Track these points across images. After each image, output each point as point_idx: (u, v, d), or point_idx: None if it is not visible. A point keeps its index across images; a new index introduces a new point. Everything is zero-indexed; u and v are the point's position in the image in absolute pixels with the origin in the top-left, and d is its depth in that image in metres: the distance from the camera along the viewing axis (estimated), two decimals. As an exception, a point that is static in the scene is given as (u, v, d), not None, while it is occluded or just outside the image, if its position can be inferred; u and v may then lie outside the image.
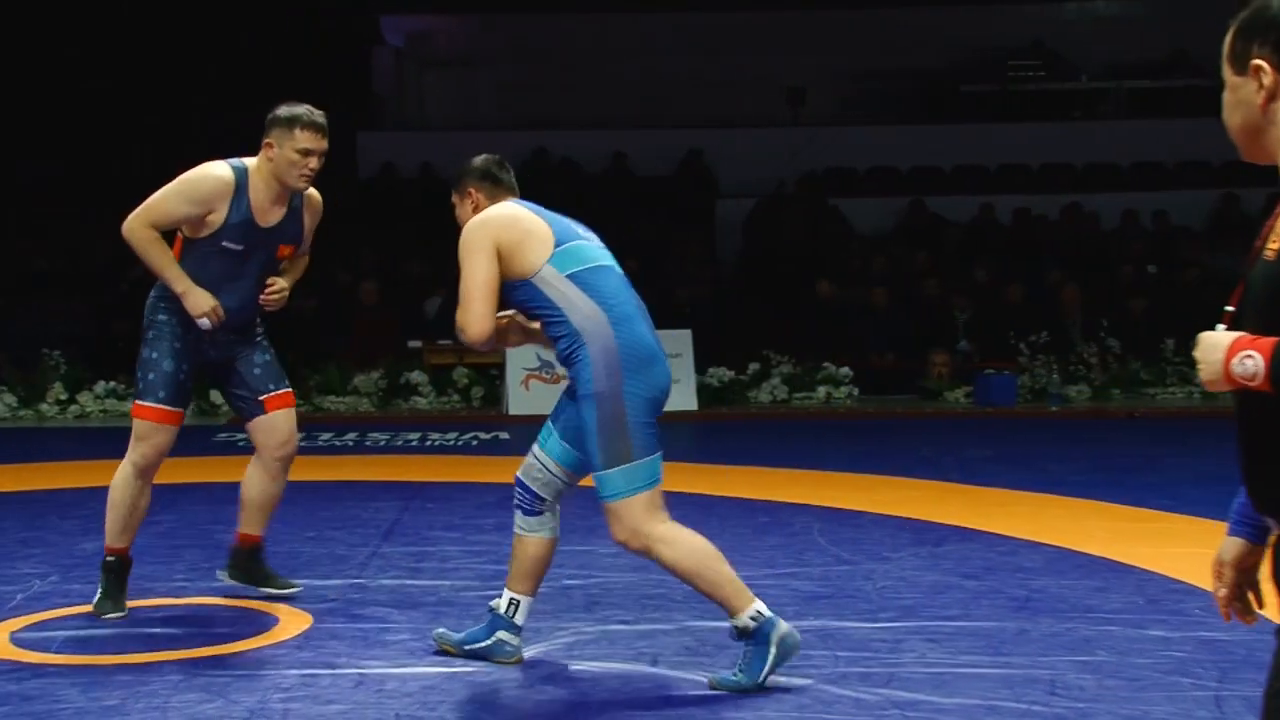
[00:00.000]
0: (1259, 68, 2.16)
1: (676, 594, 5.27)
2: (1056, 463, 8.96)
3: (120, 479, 4.94)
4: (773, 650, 3.99)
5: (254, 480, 5.14)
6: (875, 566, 5.79)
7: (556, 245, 4.11)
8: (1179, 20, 17.36)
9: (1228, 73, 2.23)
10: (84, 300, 13.83)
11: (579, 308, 4.05)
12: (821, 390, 12.82)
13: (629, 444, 3.98)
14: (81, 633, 4.73)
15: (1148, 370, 12.92)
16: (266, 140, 4.88)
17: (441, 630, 4.44)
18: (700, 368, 12.46)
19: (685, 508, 7.21)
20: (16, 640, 4.62)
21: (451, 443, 10.20)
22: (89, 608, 4.96)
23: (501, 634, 4.20)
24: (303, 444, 10.08)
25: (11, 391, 11.93)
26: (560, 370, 11.97)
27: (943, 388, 12.76)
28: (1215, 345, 2.11)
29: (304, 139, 4.86)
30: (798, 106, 17.99)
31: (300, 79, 16.63)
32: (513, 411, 11.96)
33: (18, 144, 16.06)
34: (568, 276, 4.07)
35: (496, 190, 4.38)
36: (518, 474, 4.33)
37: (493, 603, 4.26)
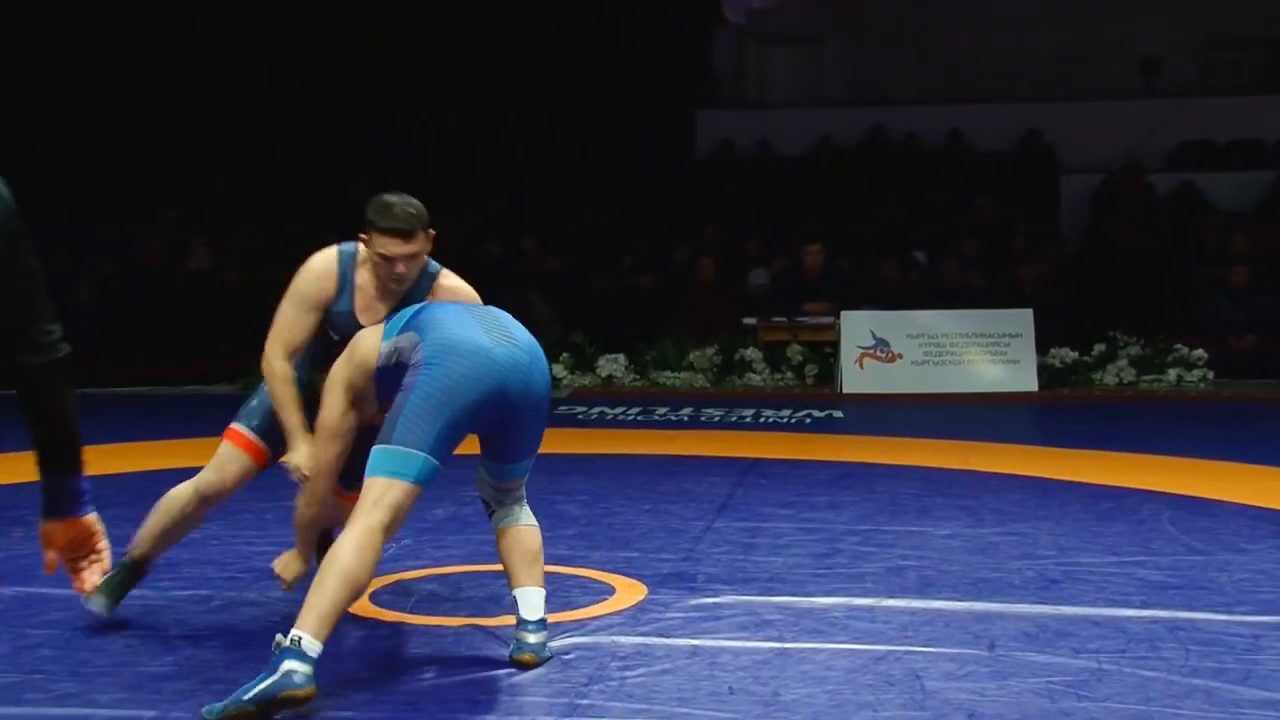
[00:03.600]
0: None
1: (1015, 578, 5.14)
2: None
3: (179, 492, 4.57)
4: (274, 676, 3.48)
5: None
6: (1232, 558, 5.49)
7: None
8: None
9: None
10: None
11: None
12: (1172, 373, 12.25)
13: (392, 426, 3.85)
14: (434, 593, 4.96)
15: None
16: (362, 232, 4.35)
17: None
18: (1042, 348, 12.11)
19: (1023, 491, 7.04)
20: (375, 600, 4.89)
21: (785, 420, 10.22)
22: (439, 570, 5.21)
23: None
24: (638, 418, 10.38)
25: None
26: (894, 349, 11.94)
27: (1309, 372, 12.01)
28: None
29: (381, 243, 4.27)
30: (1153, 78, 17.21)
31: (642, 59, 17.05)
32: (846, 390, 11.91)
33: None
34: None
35: None
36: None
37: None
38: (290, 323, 4.38)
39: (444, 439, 3.88)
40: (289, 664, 3.51)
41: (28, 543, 5.77)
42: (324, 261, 4.42)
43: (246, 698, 3.47)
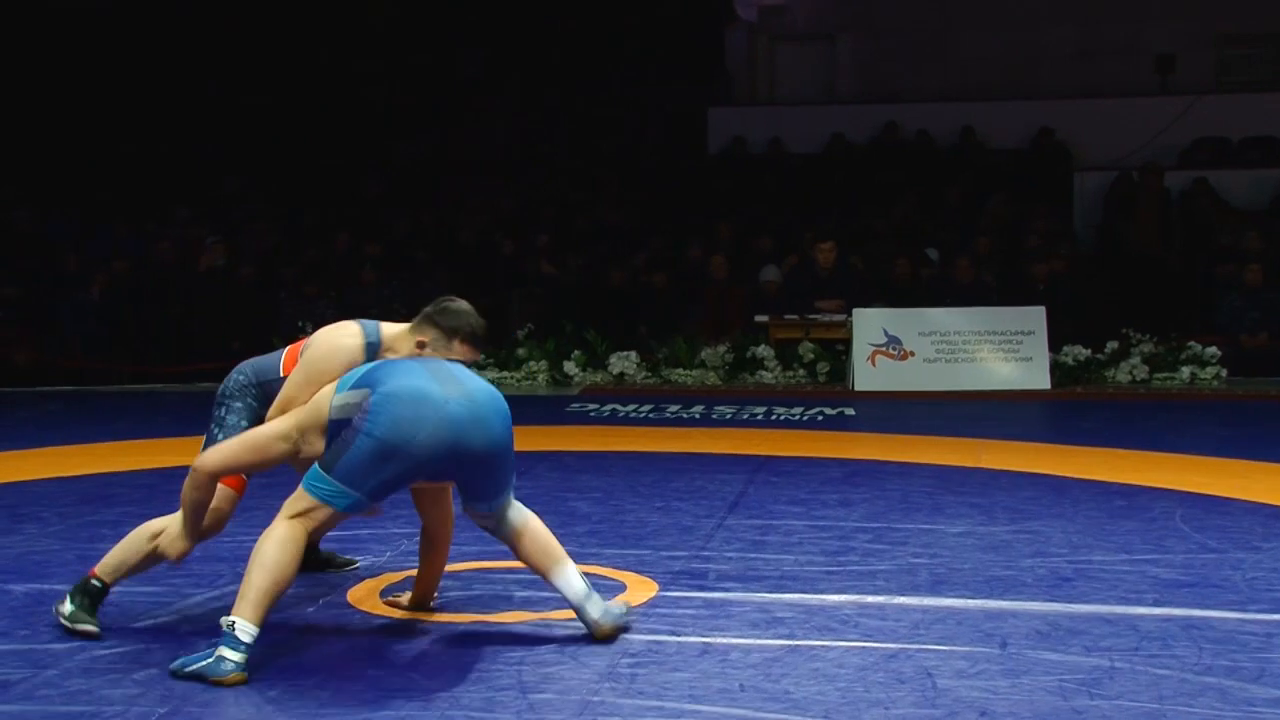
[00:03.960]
0: None
1: (1027, 576, 5.13)
2: None
3: (161, 532, 4.41)
4: (211, 658, 3.89)
5: None
6: (1245, 556, 5.47)
7: None
8: None
9: None
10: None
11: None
12: (1186, 371, 12.21)
13: (336, 458, 4.03)
14: (445, 589, 4.96)
15: None
16: (419, 336, 4.46)
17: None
18: (1054, 345, 12.08)
19: (1036, 489, 7.02)
20: (385, 597, 4.89)
21: (797, 417, 10.20)
22: (450, 567, 5.19)
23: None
24: (650, 415, 10.37)
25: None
26: (907, 347, 11.93)
27: (1323, 370, 11.97)
28: None
29: (461, 352, 4.45)
30: (1167, 74, 17.16)
31: (654, 56, 17.06)
32: (858, 387, 11.89)
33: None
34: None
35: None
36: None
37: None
38: (298, 397, 4.38)
39: (386, 485, 4.09)
40: (223, 650, 3.90)
41: (40, 539, 5.79)
42: (352, 345, 4.45)
43: (187, 669, 3.90)
